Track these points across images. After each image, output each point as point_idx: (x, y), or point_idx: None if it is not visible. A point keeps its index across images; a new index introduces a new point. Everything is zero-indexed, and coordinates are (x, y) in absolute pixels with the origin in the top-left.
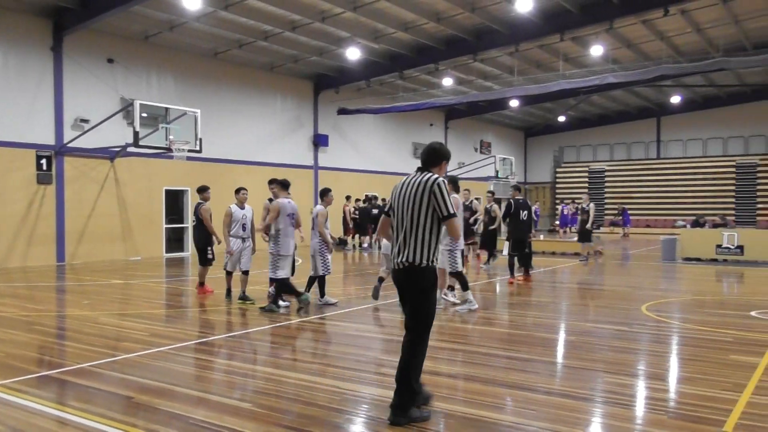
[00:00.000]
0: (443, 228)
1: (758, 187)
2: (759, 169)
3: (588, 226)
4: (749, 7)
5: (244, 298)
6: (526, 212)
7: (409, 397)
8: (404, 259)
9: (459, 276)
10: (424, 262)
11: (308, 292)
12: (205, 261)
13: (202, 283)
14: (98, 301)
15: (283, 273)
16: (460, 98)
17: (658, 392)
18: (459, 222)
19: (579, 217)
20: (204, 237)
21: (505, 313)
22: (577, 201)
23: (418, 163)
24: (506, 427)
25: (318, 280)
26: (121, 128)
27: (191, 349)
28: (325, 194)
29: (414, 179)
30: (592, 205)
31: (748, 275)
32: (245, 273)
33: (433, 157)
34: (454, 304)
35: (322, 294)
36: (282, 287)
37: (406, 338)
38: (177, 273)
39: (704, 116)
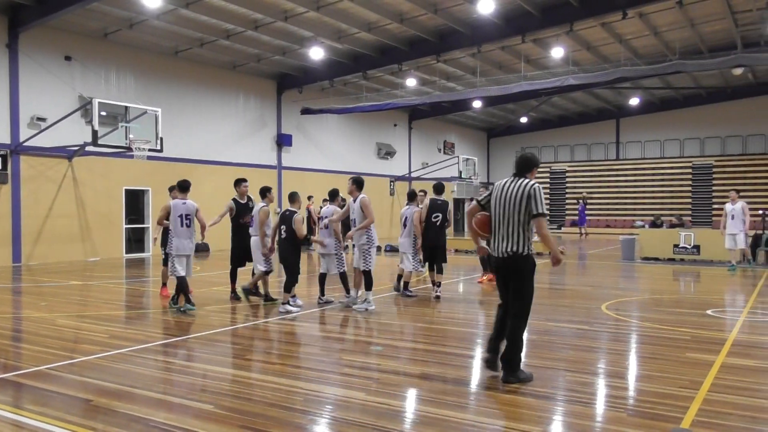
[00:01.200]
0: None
1: (714, 188)
2: (714, 170)
3: None
4: (704, 11)
5: (253, 294)
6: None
7: (517, 359)
8: (509, 249)
9: (367, 275)
10: (525, 250)
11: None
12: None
13: (165, 284)
14: (56, 302)
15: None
16: (424, 99)
17: (617, 390)
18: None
19: None
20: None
21: (468, 312)
22: None
23: (383, 163)
24: (470, 426)
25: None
26: (80, 127)
27: (152, 350)
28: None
29: (513, 183)
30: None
31: (704, 274)
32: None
33: (526, 165)
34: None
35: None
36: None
37: (511, 314)
38: (137, 274)
39: (662, 118)
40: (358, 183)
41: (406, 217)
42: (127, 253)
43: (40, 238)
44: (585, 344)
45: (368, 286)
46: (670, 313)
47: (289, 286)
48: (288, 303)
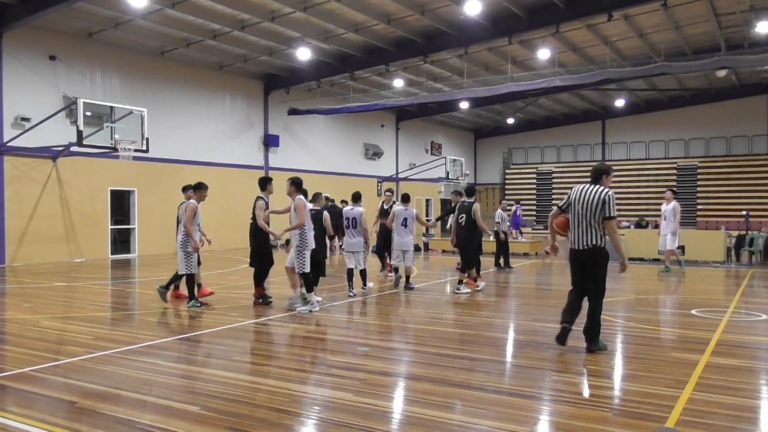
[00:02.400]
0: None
1: (698, 189)
2: (699, 171)
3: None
4: (688, 13)
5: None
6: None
7: (597, 332)
8: (589, 243)
9: (305, 277)
10: (602, 243)
11: (364, 286)
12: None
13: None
14: (40, 304)
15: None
16: (411, 99)
17: (603, 390)
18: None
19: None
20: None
21: (455, 313)
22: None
23: (370, 164)
24: (456, 426)
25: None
26: (64, 127)
27: (138, 352)
28: (198, 188)
29: (590, 189)
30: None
31: (689, 275)
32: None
33: (599, 173)
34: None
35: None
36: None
37: (591, 296)
38: (123, 275)
39: (647, 119)
40: (296, 184)
41: (405, 218)
42: (112, 254)
43: (24, 239)
44: (571, 344)
45: (308, 288)
46: (655, 313)
47: (309, 285)
48: (307, 303)
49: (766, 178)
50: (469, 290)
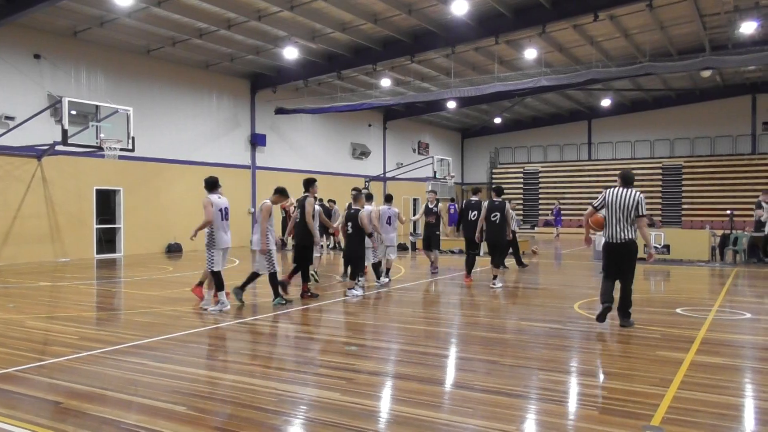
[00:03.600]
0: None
1: (683, 189)
2: (684, 170)
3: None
4: (673, 14)
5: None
6: (475, 213)
7: (629, 309)
8: (625, 237)
9: (216, 276)
10: (635, 237)
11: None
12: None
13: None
14: (25, 303)
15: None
16: (398, 99)
17: (589, 388)
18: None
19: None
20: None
21: (442, 312)
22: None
23: (357, 163)
24: (444, 425)
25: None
26: (49, 126)
27: (124, 352)
28: (277, 193)
29: (624, 191)
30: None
31: (674, 274)
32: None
33: (630, 179)
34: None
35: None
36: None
37: (623, 281)
38: (109, 275)
39: (632, 119)
40: (207, 183)
41: (390, 217)
42: (98, 253)
43: (8, 239)
44: (557, 343)
45: (219, 287)
46: (641, 312)
47: (355, 274)
48: (353, 288)
49: (749, 177)
50: (501, 285)
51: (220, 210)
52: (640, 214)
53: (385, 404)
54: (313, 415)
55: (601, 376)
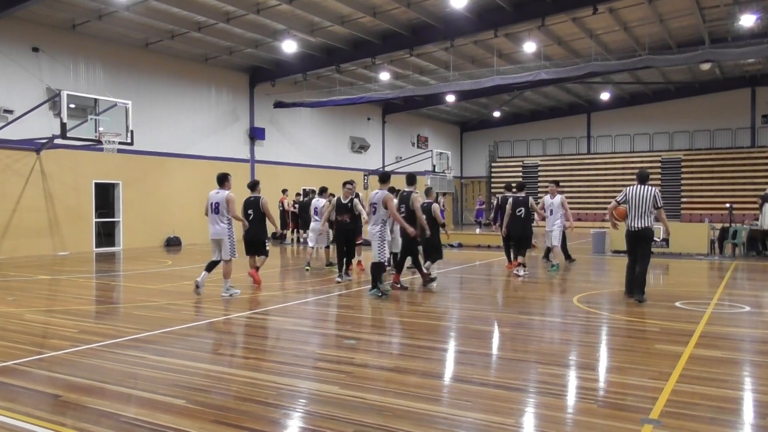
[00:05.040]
0: None
1: (682, 182)
2: (683, 164)
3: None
4: (673, 6)
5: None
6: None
7: (644, 286)
8: (643, 225)
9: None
10: (650, 226)
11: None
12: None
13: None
14: (24, 297)
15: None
16: (397, 93)
17: (588, 381)
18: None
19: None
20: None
21: (440, 305)
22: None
23: (356, 157)
24: (442, 418)
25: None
26: (48, 119)
27: (123, 345)
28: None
29: (642, 188)
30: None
31: (673, 267)
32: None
33: (646, 177)
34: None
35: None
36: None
37: (640, 262)
38: (108, 268)
39: (631, 112)
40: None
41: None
42: (97, 247)
43: (7, 233)
44: (556, 336)
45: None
46: (640, 305)
47: (435, 259)
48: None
49: (748, 170)
50: (525, 273)
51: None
52: (659, 206)
53: (384, 398)
54: (312, 409)
55: (600, 370)
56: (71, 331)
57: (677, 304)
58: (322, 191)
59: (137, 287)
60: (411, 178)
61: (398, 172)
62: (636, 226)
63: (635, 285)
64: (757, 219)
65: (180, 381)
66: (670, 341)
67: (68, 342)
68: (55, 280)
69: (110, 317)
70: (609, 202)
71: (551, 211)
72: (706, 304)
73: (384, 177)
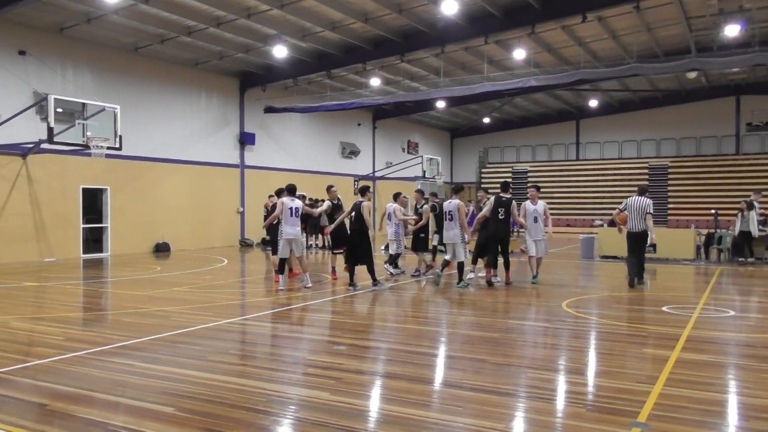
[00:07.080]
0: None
1: (669, 188)
2: (670, 170)
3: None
4: (660, 16)
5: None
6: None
7: (643, 274)
8: (641, 228)
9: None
10: (646, 229)
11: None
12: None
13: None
14: (9, 304)
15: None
16: (388, 98)
17: (577, 386)
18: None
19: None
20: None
21: (430, 311)
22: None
23: (347, 162)
24: (433, 424)
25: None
26: (35, 124)
27: (110, 353)
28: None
29: (640, 199)
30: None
31: (661, 272)
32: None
33: (644, 190)
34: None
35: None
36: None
37: (637, 258)
38: (95, 275)
39: (620, 120)
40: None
41: (389, 213)
42: (84, 253)
43: None
44: (545, 341)
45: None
46: (628, 310)
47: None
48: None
49: (734, 177)
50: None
51: (290, 209)
52: (650, 212)
53: (374, 403)
54: (302, 415)
55: (589, 374)
56: (58, 338)
57: (664, 308)
58: (458, 189)
59: (125, 294)
60: (462, 188)
61: (388, 177)
62: (635, 228)
63: (637, 274)
64: (728, 228)
65: (168, 388)
66: (658, 345)
67: (55, 350)
68: (41, 286)
69: (98, 324)
70: (597, 208)
71: (535, 218)
72: (692, 309)
73: (457, 188)
